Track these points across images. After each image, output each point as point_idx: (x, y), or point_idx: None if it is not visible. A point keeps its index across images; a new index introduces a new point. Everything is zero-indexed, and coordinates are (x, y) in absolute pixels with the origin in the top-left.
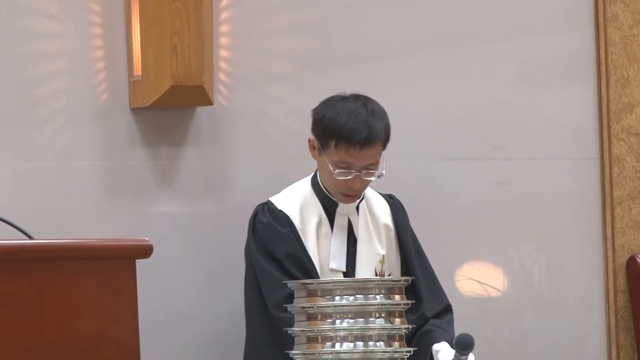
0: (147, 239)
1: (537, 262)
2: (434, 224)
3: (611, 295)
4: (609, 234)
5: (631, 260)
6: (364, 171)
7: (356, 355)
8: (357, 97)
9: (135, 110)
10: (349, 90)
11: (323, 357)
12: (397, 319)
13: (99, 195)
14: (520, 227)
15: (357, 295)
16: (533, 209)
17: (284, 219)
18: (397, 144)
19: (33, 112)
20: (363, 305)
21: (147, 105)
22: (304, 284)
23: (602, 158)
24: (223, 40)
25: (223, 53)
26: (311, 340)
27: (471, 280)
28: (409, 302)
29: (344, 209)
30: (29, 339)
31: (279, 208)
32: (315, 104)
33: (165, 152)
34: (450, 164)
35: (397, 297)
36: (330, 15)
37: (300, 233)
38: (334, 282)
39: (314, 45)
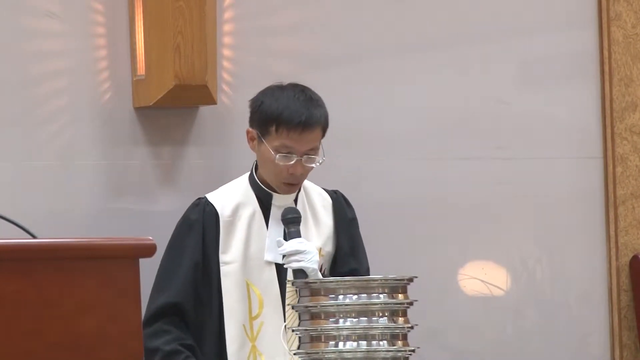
0: (150, 238)
1: (540, 261)
2: (436, 224)
3: (614, 294)
4: (612, 233)
5: (634, 259)
6: (305, 156)
7: (359, 354)
8: (294, 85)
9: (138, 109)
10: (351, 90)
11: (326, 356)
12: (400, 318)
13: (102, 194)
14: (523, 226)
15: (360, 294)
16: (536, 208)
17: (211, 214)
18: (398, 144)
19: (36, 111)
20: (366, 304)
21: (150, 104)
22: (307, 283)
23: (605, 157)
24: (226, 40)
25: (226, 52)
26: (314, 339)
27: (474, 279)
28: (413, 301)
29: (279, 201)
30: (31, 339)
31: (210, 201)
32: None
33: (168, 152)
34: (452, 164)
35: (400, 296)
36: (332, 14)
37: (227, 225)
38: (337, 281)
39: (317, 44)
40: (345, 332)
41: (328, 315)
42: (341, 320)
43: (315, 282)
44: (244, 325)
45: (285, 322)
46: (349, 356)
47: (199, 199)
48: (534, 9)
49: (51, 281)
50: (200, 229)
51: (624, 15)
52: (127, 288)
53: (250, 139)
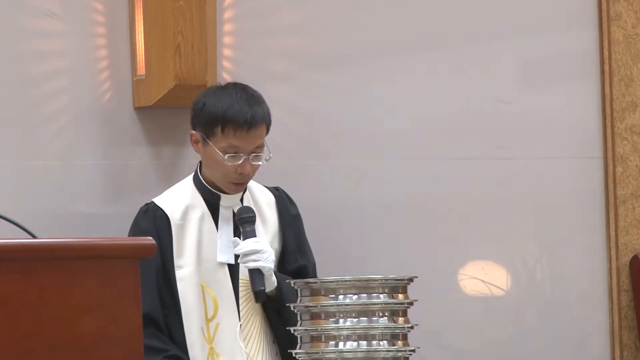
0: (150, 238)
1: (540, 261)
2: (437, 224)
3: (614, 294)
4: (612, 233)
5: (634, 259)
6: (252, 155)
7: (359, 354)
8: (235, 84)
9: (138, 109)
10: (351, 89)
11: (326, 356)
12: (400, 318)
13: (102, 194)
14: (523, 226)
15: (360, 294)
16: (536, 208)
17: (162, 218)
18: (398, 144)
19: (36, 111)
20: (366, 304)
21: (151, 104)
22: (307, 283)
23: (605, 157)
24: (226, 40)
25: (226, 52)
26: (314, 339)
27: (474, 279)
28: (413, 301)
29: (227, 202)
30: (31, 338)
31: (159, 205)
32: (318, 103)
33: (169, 151)
34: (452, 164)
35: (400, 295)
36: (332, 14)
37: (178, 229)
38: (337, 281)
39: (317, 44)
40: (345, 332)
41: (328, 315)
42: (341, 320)
43: (316, 282)
44: (201, 327)
45: (240, 321)
46: (349, 356)
47: (147, 204)
48: (534, 9)
49: (51, 281)
50: (155, 235)
51: (624, 15)
52: (127, 288)
53: (195, 142)
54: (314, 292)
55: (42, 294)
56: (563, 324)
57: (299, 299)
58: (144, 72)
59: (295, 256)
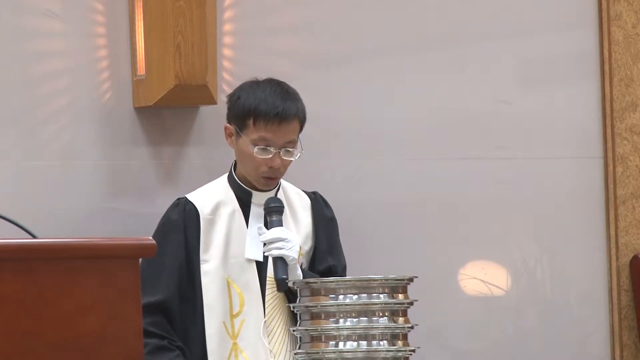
0: (150, 238)
1: (540, 261)
2: (436, 224)
3: (614, 294)
4: (612, 233)
5: (635, 259)
6: (283, 150)
7: (359, 354)
8: (271, 80)
9: (138, 109)
10: (351, 90)
11: (326, 356)
12: (400, 318)
13: (102, 194)
14: (523, 226)
15: (360, 294)
16: (536, 208)
17: (191, 212)
18: (398, 144)
19: (36, 111)
20: (366, 304)
21: (151, 104)
22: (307, 283)
23: (605, 157)
24: (226, 40)
25: (226, 52)
26: (314, 339)
27: (475, 280)
28: (413, 301)
29: (259, 199)
30: (31, 338)
31: (190, 200)
32: (318, 103)
33: (169, 152)
34: (452, 164)
35: (400, 295)
36: (332, 14)
37: (207, 223)
38: (337, 281)
39: (317, 44)
40: (345, 332)
41: (328, 315)
42: (341, 320)
43: (316, 282)
44: (224, 322)
45: (264, 317)
46: (349, 356)
47: (179, 199)
48: (534, 9)
49: (51, 281)
50: (182, 228)
51: (624, 15)
52: (127, 288)
53: (228, 135)
54: (314, 292)
55: (42, 294)
56: (563, 324)
57: (298, 299)
58: (144, 72)
59: (325, 257)
